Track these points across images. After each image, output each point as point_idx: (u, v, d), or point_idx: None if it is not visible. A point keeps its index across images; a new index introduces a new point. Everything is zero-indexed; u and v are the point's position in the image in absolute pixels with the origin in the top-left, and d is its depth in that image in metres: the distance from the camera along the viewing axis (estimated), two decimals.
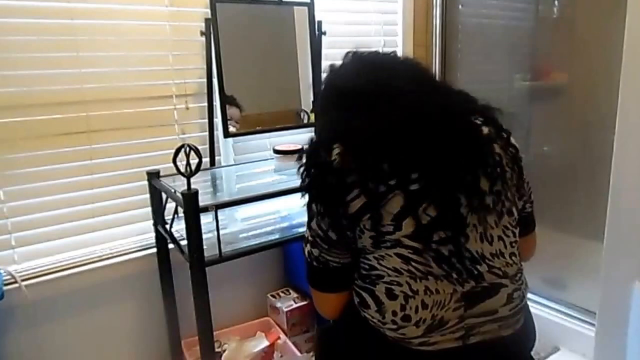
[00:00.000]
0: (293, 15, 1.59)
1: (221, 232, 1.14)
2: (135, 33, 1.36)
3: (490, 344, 0.81)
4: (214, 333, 1.19)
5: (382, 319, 0.79)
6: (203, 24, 1.42)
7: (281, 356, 1.52)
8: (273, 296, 1.64)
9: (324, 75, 1.61)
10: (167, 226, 1.28)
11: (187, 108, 1.48)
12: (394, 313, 0.77)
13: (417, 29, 1.90)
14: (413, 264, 0.77)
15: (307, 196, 0.83)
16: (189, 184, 1.08)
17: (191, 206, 1.08)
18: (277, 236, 1.31)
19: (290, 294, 1.64)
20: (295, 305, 1.56)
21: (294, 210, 1.42)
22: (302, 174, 0.83)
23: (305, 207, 0.85)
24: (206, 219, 1.11)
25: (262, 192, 1.23)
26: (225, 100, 1.47)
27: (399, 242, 0.76)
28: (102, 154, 1.36)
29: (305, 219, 0.87)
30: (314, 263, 0.86)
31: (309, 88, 1.64)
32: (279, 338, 1.55)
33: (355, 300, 0.84)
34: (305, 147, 0.86)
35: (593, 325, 1.37)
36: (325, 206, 0.80)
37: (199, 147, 1.14)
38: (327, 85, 0.95)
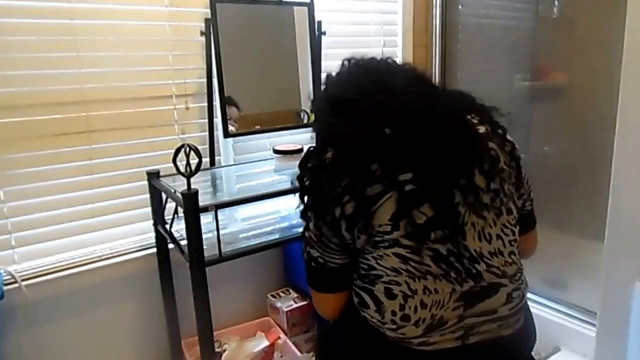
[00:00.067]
0: (293, 15, 1.59)
1: (221, 232, 1.14)
2: (135, 33, 1.36)
3: (489, 344, 0.81)
4: (214, 333, 1.19)
5: (381, 319, 0.79)
6: (203, 24, 1.42)
7: (281, 356, 1.52)
8: (273, 296, 1.64)
9: (323, 75, 1.62)
10: (167, 226, 1.28)
11: (187, 108, 1.48)
12: (393, 313, 0.77)
13: (417, 29, 1.90)
14: (411, 263, 0.77)
15: (304, 199, 0.85)
16: (189, 184, 1.08)
17: (191, 206, 1.08)
18: (277, 236, 1.31)
19: (290, 294, 1.64)
20: (295, 305, 1.56)
21: (293, 210, 1.41)
22: (299, 179, 0.86)
23: (302, 209, 0.87)
24: (206, 219, 1.11)
25: (262, 192, 1.23)
26: (225, 100, 1.47)
27: (397, 242, 0.76)
28: (102, 154, 1.36)
29: None
30: (313, 264, 0.87)
31: (308, 88, 1.64)
32: (279, 338, 1.55)
33: (355, 300, 0.84)
34: (304, 152, 0.89)
35: (594, 325, 1.36)
36: (321, 207, 0.81)
37: (199, 147, 1.14)
38: (323, 93, 0.97)
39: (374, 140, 0.80)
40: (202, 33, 1.43)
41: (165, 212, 1.35)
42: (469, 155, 0.80)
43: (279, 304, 1.58)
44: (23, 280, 1.25)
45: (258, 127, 1.56)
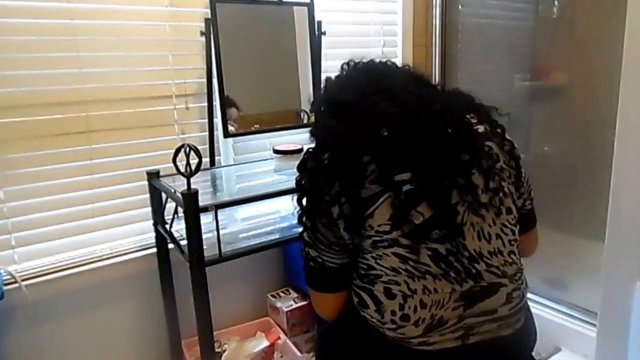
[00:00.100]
0: (293, 15, 1.59)
1: (221, 232, 1.14)
2: (135, 33, 1.36)
3: (489, 344, 0.81)
4: (214, 333, 1.19)
5: (381, 319, 0.79)
6: (203, 24, 1.42)
7: (281, 356, 1.52)
8: (273, 296, 1.64)
9: (324, 75, 1.63)
10: (167, 226, 1.28)
11: (187, 108, 1.48)
12: (393, 312, 0.77)
13: (416, 29, 1.90)
14: (410, 263, 0.77)
15: (302, 201, 0.87)
16: (189, 184, 1.08)
17: (191, 206, 1.08)
18: (277, 236, 1.31)
19: (290, 294, 1.64)
20: (295, 305, 1.56)
21: (293, 210, 1.41)
22: (297, 182, 0.87)
23: (300, 211, 0.88)
24: (206, 219, 1.11)
25: (262, 192, 1.23)
26: (225, 100, 1.47)
27: (396, 242, 0.77)
28: (102, 154, 1.36)
29: None
30: (311, 263, 0.87)
31: (308, 88, 1.64)
32: (279, 338, 1.55)
33: (355, 300, 0.84)
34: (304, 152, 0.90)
35: (594, 325, 1.36)
36: (319, 208, 0.82)
37: (199, 147, 1.14)
38: (322, 97, 0.97)
39: (371, 141, 0.80)
40: (202, 33, 1.43)
41: (165, 212, 1.35)
42: (467, 154, 0.80)
43: (279, 304, 1.58)
44: (23, 280, 1.25)
45: (258, 126, 1.56)
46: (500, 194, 0.82)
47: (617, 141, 1.16)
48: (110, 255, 1.38)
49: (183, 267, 1.18)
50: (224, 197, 1.34)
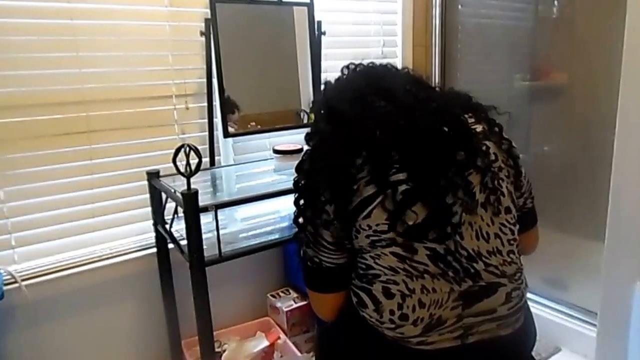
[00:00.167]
0: (293, 15, 1.59)
1: (221, 232, 1.14)
2: (135, 33, 1.36)
3: (489, 344, 0.81)
4: (214, 333, 1.19)
5: (380, 318, 0.79)
6: (203, 24, 1.42)
7: (281, 356, 1.52)
8: (273, 296, 1.64)
9: (323, 76, 1.63)
10: (167, 226, 1.28)
11: (187, 108, 1.48)
12: (392, 312, 0.77)
13: (416, 29, 1.90)
14: (409, 262, 0.77)
15: (300, 202, 0.87)
16: (188, 184, 1.08)
17: (191, 206, 1.08)
18: (277, 236, 1.31)
19: (290, 294, 1.64)
20: (295, 305, 1.56)
21: (293, 210, 1.42)
22: (295, 183, 0.88)
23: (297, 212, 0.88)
24: (206, 219, 1.11)
25: (262, 192, 1.23)
26: (225, 100, 1.47)
27: (394, 241, 0.77)
28: (102, 154, 1.36)
29: None
30: (309, 263, 0.87)
31: (308, 88, 1.64)
32: (279, 338, 1.55)
33: (353, 299, 0.84)
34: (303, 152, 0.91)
35: (594, 325, 1.36)
36: (317, 207, 0.82)
37: (199, 147, 1.14)
38: (320, 100, 0.98)
39: (368, 141, 0.80)
40: (202, 33, 1.43)
41: (165, 212, 1.35)
42: (463, 153, 0.80)
43: (279, 304, 1.58)
44: (23, 280, 1.25)
45: (257, 126, 1.56)
46: (498, 193, 0.82)
47: (617, 141, 1.16)
48: (110, 255, 1.38)
49: (183, 267, 1.18)
50: (224, 197, 1.34)
